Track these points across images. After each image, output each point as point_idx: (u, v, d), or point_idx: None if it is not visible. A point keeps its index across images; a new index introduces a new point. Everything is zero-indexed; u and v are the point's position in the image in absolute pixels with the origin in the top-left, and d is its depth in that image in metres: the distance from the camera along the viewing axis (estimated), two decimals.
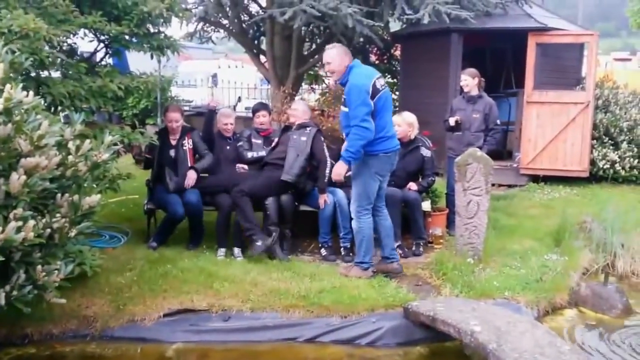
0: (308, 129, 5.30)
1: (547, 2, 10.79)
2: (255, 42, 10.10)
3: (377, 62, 11.22)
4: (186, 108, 10.55)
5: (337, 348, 4.00)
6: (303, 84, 10.95)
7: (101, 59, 5.33)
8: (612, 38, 55.70)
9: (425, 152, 5.64)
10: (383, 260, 4.81)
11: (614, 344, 4.09)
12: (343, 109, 4.53)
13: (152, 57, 5.28)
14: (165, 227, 5.29)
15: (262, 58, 9.73)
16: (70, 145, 3.36)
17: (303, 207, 5.41)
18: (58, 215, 3.25)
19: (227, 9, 9.01)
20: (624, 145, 8.40)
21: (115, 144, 3.66)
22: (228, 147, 5.61)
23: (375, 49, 10.76)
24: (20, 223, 2.91)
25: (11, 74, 3.27)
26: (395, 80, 11.09)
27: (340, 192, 5.34)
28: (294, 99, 7.29)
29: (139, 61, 6.15)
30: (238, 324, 4.07)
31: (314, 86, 11.95)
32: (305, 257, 5.32)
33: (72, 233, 3.35)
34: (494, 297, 4.43)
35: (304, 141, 5.21)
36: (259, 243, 4.96)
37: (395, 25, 9.99)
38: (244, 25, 9.45)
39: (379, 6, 7.98)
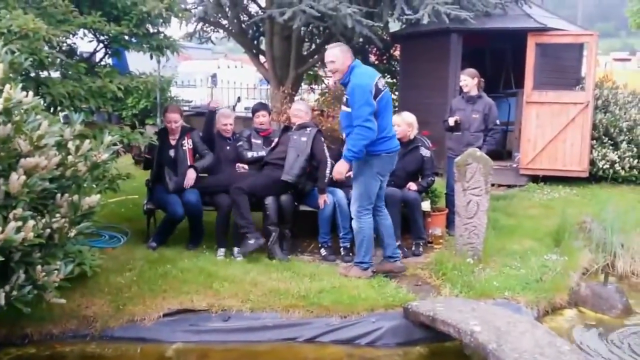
0: (308, 129, 5.30)
1: (546, 2, 10.79)
2: (255, 42, 10.10)
3: (376, 62, 11.22)
4: (186, 108, 10.54)
5: (337, 348, 4.00)
6: (302, 84, 10.95)
7: (101, 59, 5.33)
8: (612, 38, 55.72)
9: (425, 152, 5.64)
10: (386, 259, 4.81)
11: (612, 344, 4.09)
12: (344, 108, 4.52)
13: (151, 57, 5.28)
14: (164, 227, 5.29)
15: (262, 58, 9.73)
16: (70, 145, 3.36)
17: (303, 207, 5.41)
18: (58, 215, 3.26)
19: (227, 9, 9.00)
20: (624, 145, 8.40)
21: (115, 144, 3.67)
22: (228, 147, 5.61)
23: (375, 49, 10.75)
24: (20, 223, 2.91)
25: (11, 74, 3.27)
26: (394, 80, 11.08)
27: (340, 192, 5.34)
28: (293, 99, 7.29)
29: (138, 61, 6.13)
30: (238, 324, 4.07)
31: (313, 86, 11.96)
32: (305, 257, 5.32)
33: (72, 233, 3.35)
34: (494, 297, 4.43)
35: (304, 141, 5.20)
36: (251, 241, 4.96)
37: (394, 26, 9.99)
38: (243, 26, 9.45)
39: (378, 6, 7.97)
